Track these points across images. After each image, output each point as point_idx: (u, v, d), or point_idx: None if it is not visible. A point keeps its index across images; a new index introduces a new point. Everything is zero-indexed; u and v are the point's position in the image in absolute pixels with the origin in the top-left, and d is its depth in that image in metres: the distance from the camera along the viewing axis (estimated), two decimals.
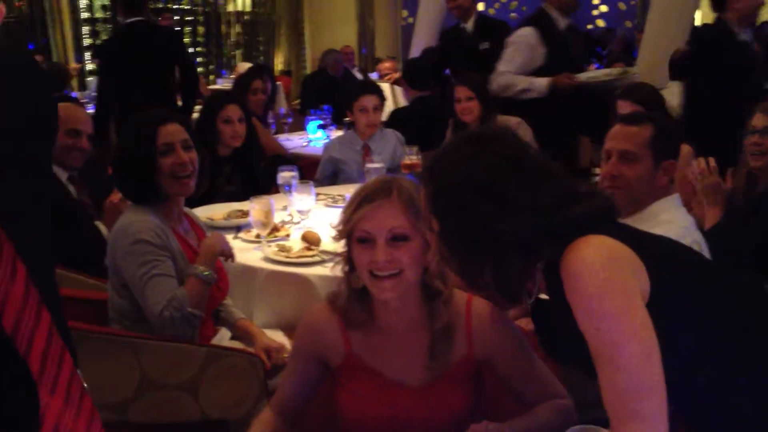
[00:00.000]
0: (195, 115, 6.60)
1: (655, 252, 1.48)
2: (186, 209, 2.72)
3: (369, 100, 4.35)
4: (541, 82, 4.87)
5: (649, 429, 1.34)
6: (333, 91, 6.78)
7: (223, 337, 2.75)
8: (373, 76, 8.49)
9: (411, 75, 5.73)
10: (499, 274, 1.46)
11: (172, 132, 2.49)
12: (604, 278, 1.36)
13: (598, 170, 6.02)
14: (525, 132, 4.42)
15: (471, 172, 1.45)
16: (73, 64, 8.43)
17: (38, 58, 8.68)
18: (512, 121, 4.47)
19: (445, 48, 6.00)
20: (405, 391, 1.76)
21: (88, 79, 9.79)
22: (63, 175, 3.40)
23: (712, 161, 3.00)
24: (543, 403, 1.77)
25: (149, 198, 2.49)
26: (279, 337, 2.71)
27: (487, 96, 4.48)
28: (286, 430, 1.90)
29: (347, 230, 1.72)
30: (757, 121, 2.94)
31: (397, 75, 6.46)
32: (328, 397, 1.88)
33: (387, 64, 6.61)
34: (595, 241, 1.41)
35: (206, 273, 2.44)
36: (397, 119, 5.33)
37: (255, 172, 4.06)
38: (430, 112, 5.18)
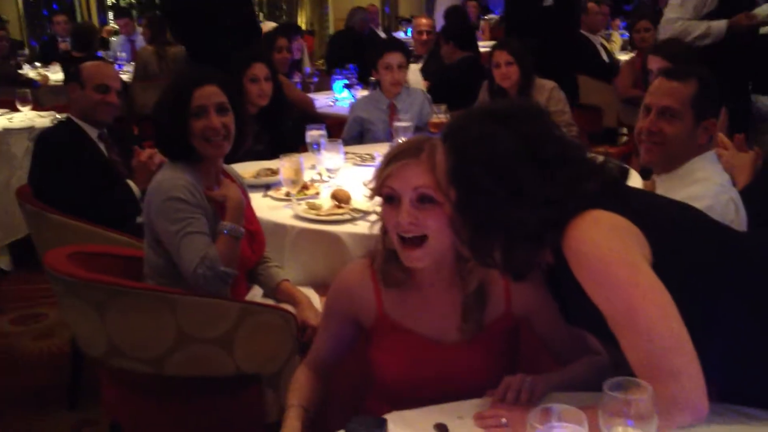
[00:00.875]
0: None
1: (658, 222, 1.49)
2: (226, 166, 2.73)
3: (394, 58, 4.31)
4: (719, 25, 4.46)
5: (686, 382, 1.35)
6: (359, 50, 6.73)
7: (255, 295, 2.78)
8: (399, 35, 8.43)
9: (458, 34, 5.65)
10: (508, 254, 1.49)
11: (208, 95, 2.47)
12: (606, 249, 1.39)
13: (625, 130, 5.97)
14: (558, 96, 4.39)
15: (491, 154, 1.45)
16: (110, 26, 8.38)
17: (61, 18, 8.69)
18: (548, 85, 4.43)
19: (508, 6, 5.88)
20: (440, 349, 1.76)
21: (112, 39, 9.80)
22: (93, 133, 3.43)
23: (739, 138, 2.89)
24: (579, 359, 1.77)
25: (183, 156, 2.49)
26: (312, 295, 2.74)
27: (527, 61, 4.42)
28: (322, 386, 1.93)
29: (377, 188, 1.70)
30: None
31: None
32: (363, 356, 1.89)
33: (424, 20, 6.44)
34: (592, 217, 1.43)
35: (233, 228, 2.45)
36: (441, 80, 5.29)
37: (283, 131, 4.07)
38: (472, 73, 5.12)
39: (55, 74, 7.42)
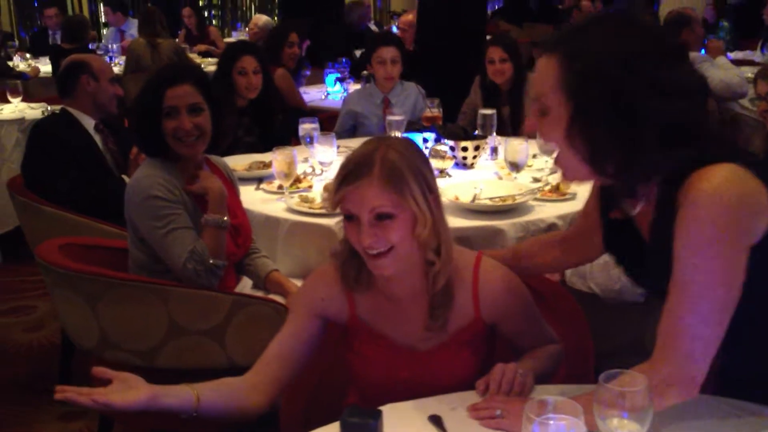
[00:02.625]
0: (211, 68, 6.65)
1: None
2: (215, 158, 2.72)
3: (387, 52, 4.31)
4: None
5: (688, 370, 1.37)
6: (353, 45, 6.71)
7: (245, 286, 2.77)
8: (393, 29, 8.41)
9: None
10: (627, 162, 1.39)
11: (180, 95, 2.43)
12: (726, 219, 1.32)
13: None
14: None
15: (621, 46, 1.37)
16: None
17: (52, 11, 8.63)
18: None
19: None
20: (413, 354, 1.75)
21: (103, 31, 9.75)
22: (89, 125, 3.42)
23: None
24: (539, 349, 1.80)
25: (159, 154, 2.48)
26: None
27: (520, 57, 4.44)
28: (245, 395, 1.77)
29: (334, 206, 1.65)
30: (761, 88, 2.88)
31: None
32: (339, 361, 1.87)
33: (410, 16, 6.41)
34: (728, 172, 1.35)
35: (216, 219, 2.44)
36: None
37: (274, 124, 4.06)
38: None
39: (45, 66, 7.37)
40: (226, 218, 2.47)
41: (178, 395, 1.67)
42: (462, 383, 1.69)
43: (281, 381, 1.77)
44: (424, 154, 1.70)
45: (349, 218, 1.63)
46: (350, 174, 1.60)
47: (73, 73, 3.43)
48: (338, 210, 1.64)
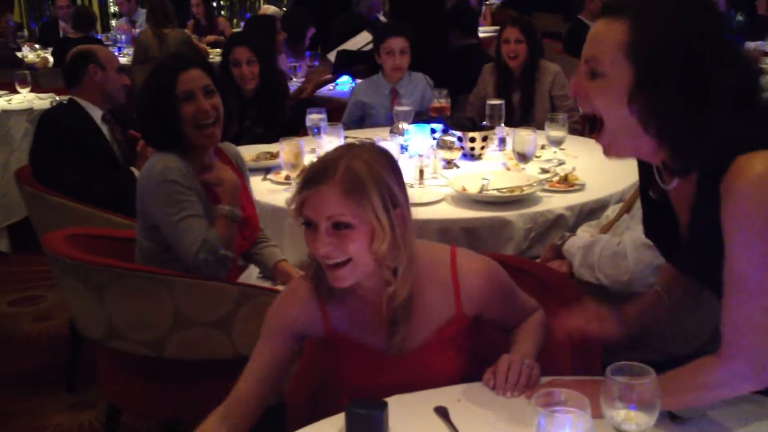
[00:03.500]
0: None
1: None
2: (226, 146, 2.69)
3: (395, 43, 4.29)
4: None
5: (760, 362, 1.37)
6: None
7: (251, 275, 2.77)
8: None
9: (463, 21, 5.60)
10: (689, 131, 1.35)
11: (193, 78, 2.41)
12: None
13: None
14: (563, 81, 4.38)
15: (693, 16, 1.34)
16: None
17: (64, 1, 8.65)
18: (552, 68, 4.41)
19: None
20: (393, 359, 1.70)
21: (112, 22, 9.76)
22: (97, 115, 3.43)
23: None
24: (528, 324, 1.81)
25: (171, 145, 2.44)
26: None
27: (535, 40, 4.41)
28: None
29: (297, 211, 1.57)
30: None
31: None
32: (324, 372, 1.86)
33: None
34: None
35: (229, 210, 2.43)
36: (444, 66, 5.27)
37: (281, 113, 4.06)
38: (476, 60, 5.08)
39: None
40: (239, 210, 2.46)
41: None
42: (451, 382, 1.67)
43: (266, 399, 1.75)
44: (397, 167, 1.62)
45: (308, 225, 1.55)
46: (312, 179, 1.54)
47: (80, 62, 3.43)
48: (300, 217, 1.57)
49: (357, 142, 1.71)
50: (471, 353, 1.77)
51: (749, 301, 1.34)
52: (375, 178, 1.53)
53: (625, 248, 2.15)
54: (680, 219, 1.52)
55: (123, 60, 6.53)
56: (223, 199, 2.45)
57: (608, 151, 1.49)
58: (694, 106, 1.32)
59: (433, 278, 1.69)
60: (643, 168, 1.62)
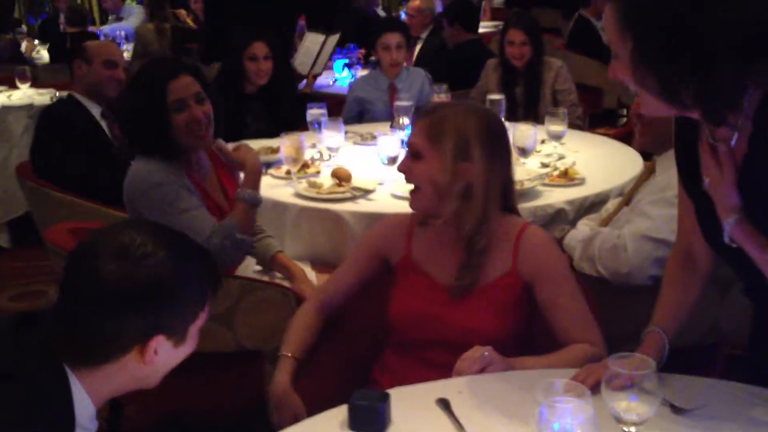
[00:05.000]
0: None
1: None
2: (219, 142, 2.63)
3: (392, 38, 4.29)
4: None
5: None
6: (361, 30, 6.67)
7: (248, 266, 2.77)
8: (401, 15, 8.36)
9: (465, 16, 5.59)
10: (703, 87, 1.29)
11: (184, 86, 2.36)
12: None
13: (625, 111, 5.98)
14: (566, 76, 4.38)
15: None
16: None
17: None
18: (555, 64, 4.42)
19: None
20: (447, 294, 1.87)
21: (111, 16, 9.73)
22: (96, 111, 3.43)
23: None
24: (571, 346, 1.78)
25: (160, 151, 2.38)
26: (306, 269, 2.74)
27: (540, 40, 4.41)
28: (320, 329, 2.03)
29: None
30: None
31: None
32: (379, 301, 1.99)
33: (417, 3, 6.35)
34: None
35: (251, 194, 2.42)
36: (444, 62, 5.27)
37: (284, 110, 4.05)
38: (477, 56, 5.07)
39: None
40: (260, 196, 2.46)
41: (290, 371, 1.93)
42: (485, 337, 1.75)
43: (347, 296, 2.05)
44: (495, 133, 1.86)
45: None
46: (418, 115, 1.90)
47: (70, 57, 3.44)
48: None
49: (470, 101, 1.97)
50: (517, 325, 1.86)
51: None
52: (457, 127, 1.80)
53: (625, 241, 2.16)
54: (717, 206, 1.46)
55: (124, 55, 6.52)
56: (245, 182, 2.44)
57: (646, 113, 1.55)
58: (692, 68, 1.28)
59: (502, 238, 1.87)
60: (684, 161, 1.59)
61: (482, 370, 1.65)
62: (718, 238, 1.43)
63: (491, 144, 1.83)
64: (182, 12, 7.95)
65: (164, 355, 1.36)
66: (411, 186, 1.88)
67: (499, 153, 1.85)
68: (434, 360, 1.82)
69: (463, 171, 1.80)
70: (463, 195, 1.81)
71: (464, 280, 1.86)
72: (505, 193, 1.90)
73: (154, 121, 2.34)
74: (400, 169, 1.90)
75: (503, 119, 3.68)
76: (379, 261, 2.02)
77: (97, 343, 1.30)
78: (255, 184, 2.45)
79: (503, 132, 1.90)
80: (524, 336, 1.88)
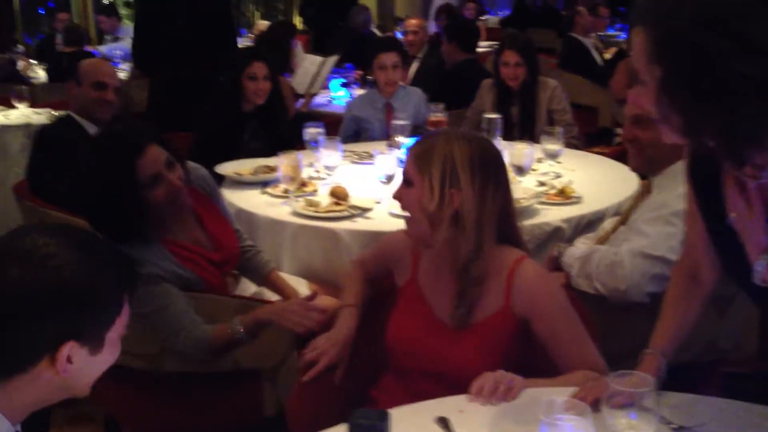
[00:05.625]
0: None
1: None
2: (194, 168, 2.51)
3: (388, 58, 4.32)
4: None
5: None
6: (357, 50, 6.72)
7: (246, 288, 2.77)
8: (397, 35, 8.42)
9: (462, 36, 5.62)
10: (727, 126, 1.25)
11: (153, 159, 2.19)
12: None
13: (620, 130, 6.02)
14: (561, 96, 4.40)
15: (702, 6, 1.25)
16: None
17: (65, 15, 8.68)
18: (550, 84, 4.44)
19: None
20: (443, 328, 1.87)
21: (107, 36, 9.76)
22: (93, 131, 3.43)
23: None
24: (575, 372, 1.78)
25: (132, 236, 2.22)
26: (302, 287, 2.74)
27: (534, 60, 4.43)
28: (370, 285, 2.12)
29: None
30: None
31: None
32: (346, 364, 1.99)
33: (413, 21, 6.38)
34: None
35: (241, 333, 2.21)
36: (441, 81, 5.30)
37: (281, 129, 4.06)
38: (474, 76, 5.09)
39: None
40: (250, 337, 2.24)
41: (355, 319, 2.02)
42: (474, 373, 1.71)
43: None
44: (487, 160, 1.83)
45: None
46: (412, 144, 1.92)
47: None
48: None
49: (464, 131, 1.95)
50: (512, 360, 1.81)
51: None
52: (444, 154, 1.80)
53: (622, 258, 2.17)
54: (744, 242, 1.45)
55: (121, 75, 6.52)
56: (247, 317, 2.24)
57: (667, 140, 1.41)
58: (717, 104, 1.24)
59: (496, 272, 1.85)
60: (704, 194, 1.55)
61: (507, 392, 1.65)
62: (745, 276, 1.41)
63: (481, 171, 1.81)
64: None
65: (81, 364, 1.26)
66: (403, 210, 1.91)
67: (492, 180, 1.82)
68: (429, 392, 1.77)
69: (450, 197, 1.79)
70: (454, 223, 1.81)
71: (460, 312, 1.84)
72: (503, 223, 1.87)
73: (126, 207, 2.17)
74: (395, 196, 1.92)
75: (499, 138, 3.74)
76: (385, 270, 2.06)
77: (1, 354, 1.22)
78: (253, 327, 2.24)
79: (496, 159, 1.87)
80: (523, 364, 1.83)
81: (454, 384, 1.72)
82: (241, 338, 2.23)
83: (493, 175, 1.83)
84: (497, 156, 1.88)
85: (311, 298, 2.29)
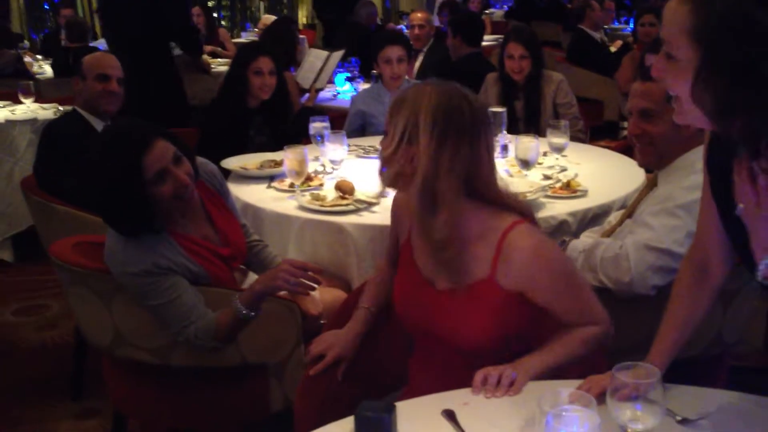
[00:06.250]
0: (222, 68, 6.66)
1: None
2: (202, 163, 2.50)
3: (393, 51, 4.31)
4: None
5: None
6: (363, 44, 6.72)
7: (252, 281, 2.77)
8: (402, 29, 8.42)
9: (467, 29, 5.61)
10: (756, 116, 1.26)
11: (160, 154, 2.17)
12: None
13: (626, 124, 6.02)
14: (566, 89, 4.40)
15: None
16: None
17: (68, 11, 8.69)
18: (556, 77, 4.44)
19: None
20: (433, 291, 1.83)
21: None
22: (99, 125, 3.44)
23: None
24: (569, 333, 1.78)
25: (142, 231, 2.24)
26: None
27: (539, 53, 4.43)
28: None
29: None
30: None
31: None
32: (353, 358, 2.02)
33: (419, 14, 6.35)
34: None
35: (244, 312, 2.25)
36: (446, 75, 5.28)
37: (286, 124, 4.07)
38: (479, 69, 5.09)
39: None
40: (254, 313, 2.27)
41: (366, 321, 2.04)
42: (477, 342, 1.75)
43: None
44: (449, 113, 1.70)
45: None
46: None
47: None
48: None
49: (450, 83, 1.81)
50: (508, 326, 1.78)
51: None
52: (411, 109, 1.70)
53: (627, 250, 2.17)
54: (751, 235, 1.45)
55: None
56: (245, 295, 2.27)
57: (680, 121, 1.43)
58: (757, 91, 1.23)
59: (482, 236, 1.76)
60: (717, 182, 1.54)
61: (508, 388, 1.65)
62: (750, 269, 1.42)
63: (443, 124, 1.68)
64: None
65: None
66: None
67: (452, 136, 1.68)
68: (436, 353, 1.83)
69: (409, 154, 1.71)
70: (413, 180, 1.72)
71: (447, 275, 1.79)
72: (472, 187, 1.74)
73: (132, 203, 2.17)
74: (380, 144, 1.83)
75: (505, 131, 3.74)
76: (401, 229, 2.01)
77: None
78: (252, 301, 2.26)
79: (464, 113, 1.71)
80: (527, 330, 1.82)
81: (455, 346, 1.77)
82: (244, 315, 2.25)
83: (456, 131, 1.69)
84: (473, 111, 1.73)
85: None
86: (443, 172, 1.68)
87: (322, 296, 2.64)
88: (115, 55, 3.69)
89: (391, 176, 1.79)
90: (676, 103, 1.37)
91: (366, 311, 2.06)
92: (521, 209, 1.81)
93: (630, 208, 2.46)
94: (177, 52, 5.48)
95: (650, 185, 2.38)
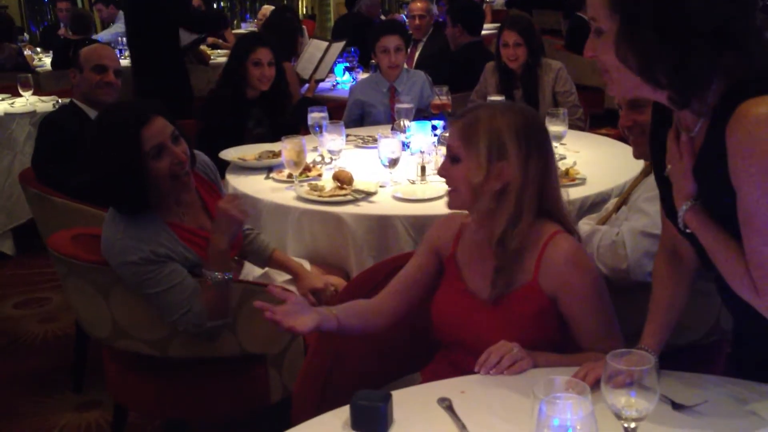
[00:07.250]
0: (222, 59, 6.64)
1: None
2: (196, 154, 2.48)
3: (390, 41, 4.30)
4: None
5: None
6: (363, 34, 6.71)
7: (250, 272, 2.78)
8: (402, 18, 8.38)
9: (467, 18, 5.59)
10: (680, 68, 1.34)
11: (159, 129, 2.19)
12: None
13: None
14: (565, 77, 4.38)
15: None
16: None
17: (64, 5, 8.69)
18: (555, 65, 4.42)
19: None
20: (476, 302, 1.88)
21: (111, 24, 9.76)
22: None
23: None
24: (590, 352, 1.78)
25: (140, 209, 2.26)
26: (303, 264, 2.76)
27: (535, 41, 4.40)
28: (368, 308, 1.99)
29: None
30: None
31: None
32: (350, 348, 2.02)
33: (418, 4, 6.34)
34: None
35: (219, 276, 2.26)
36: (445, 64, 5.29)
37: (285, 115, 4.06)
38: (478, 59, 5.07)
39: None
40: (229, 274, 2.29)
41: (329, 319, 1.85)
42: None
43: (400, 311, 2.00)
44: (531, 132, 1.82)
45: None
46: (455, 114, 1.89)
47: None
48: None
49: (506, 102, 1.91)
50: (547, 339, 1.82)
51: (760, 238, 1.33)
52: (491, 128, 1.79)
53: (623, 237, 2.16)
54: (674, 190, 1.52)
55: (124, 62, 6.53)
56: (210, 263, 2.28)
57: (614, 94, 1.55)
58: (673, 49, 1.32)
59: (530, 245, 1.84)
60: (656, 145, 1.63)
61: (510, 367, 1.67)
62: (676, 222, 1.48)
63: (527, 141, 1.80)
64: None
65: None
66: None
67: (535, 150, 1.81)
68: (471, 365, 1.76)
69: (498, 171, 1.79)
70: (499, 194, 1.81)
71: (497, 286, 1.83)
72: (544, 194, 1.85)
73: (131, 176, 2.18)
74: (440, 173, 1.91)
75: None
76: (436, 258, 2.02)
77: None
78: (218, 262, 2.27)
79: (540, 128, 1.87)
80: (556, 343, 1.84)
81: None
82: (219, 279, 2.26)
83: (536, 144, 1.82)
84: (541, 125, 1.90)
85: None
86: (530, 182, 1.80)
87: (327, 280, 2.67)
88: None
89: (467, 199, 1.84)
90: (607, 76, 1.45)
91: (332, 316, 1.87)
92: (567, 222, 1.91)
93: (625, 194, 2.45)
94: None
95: (645, 172, 2.38)
